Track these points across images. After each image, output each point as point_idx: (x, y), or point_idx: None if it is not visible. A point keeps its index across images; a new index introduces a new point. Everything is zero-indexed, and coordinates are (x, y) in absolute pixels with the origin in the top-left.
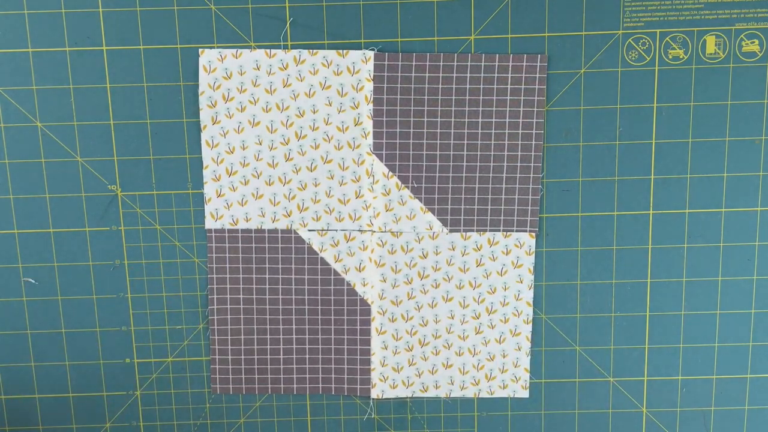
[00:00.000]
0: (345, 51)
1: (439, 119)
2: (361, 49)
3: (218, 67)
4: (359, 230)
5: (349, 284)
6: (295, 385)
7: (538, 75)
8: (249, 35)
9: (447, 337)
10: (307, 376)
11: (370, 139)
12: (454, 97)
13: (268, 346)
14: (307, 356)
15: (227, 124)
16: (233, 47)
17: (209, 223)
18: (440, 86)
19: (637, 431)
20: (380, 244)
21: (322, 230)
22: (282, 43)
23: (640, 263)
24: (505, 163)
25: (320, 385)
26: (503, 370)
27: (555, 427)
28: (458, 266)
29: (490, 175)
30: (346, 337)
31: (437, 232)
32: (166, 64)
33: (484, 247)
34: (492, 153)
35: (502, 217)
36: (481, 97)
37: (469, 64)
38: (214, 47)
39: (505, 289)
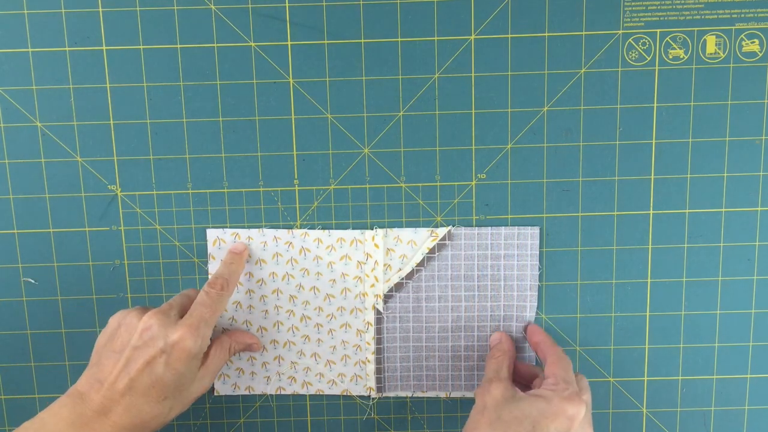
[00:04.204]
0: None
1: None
2: (360, 48)
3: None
4: (361, 230)
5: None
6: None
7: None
8: (249, 35)
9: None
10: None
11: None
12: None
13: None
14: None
15: None
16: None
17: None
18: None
19: (637, 431)
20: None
21: (323, 229)
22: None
23: (640, 263)
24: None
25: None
26: None
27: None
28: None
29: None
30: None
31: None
32: (166, 64)
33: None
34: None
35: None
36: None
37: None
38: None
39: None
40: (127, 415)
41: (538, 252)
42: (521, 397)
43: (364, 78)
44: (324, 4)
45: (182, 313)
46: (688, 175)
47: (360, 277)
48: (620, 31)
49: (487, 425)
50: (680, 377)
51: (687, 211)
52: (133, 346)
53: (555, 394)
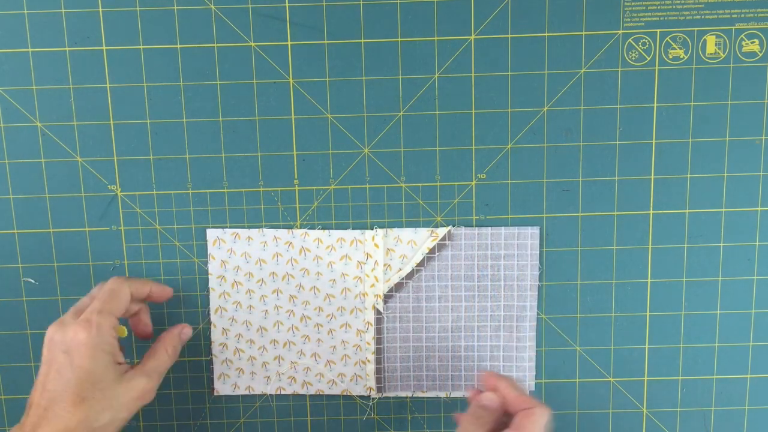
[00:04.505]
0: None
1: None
2: (360, 48)
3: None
4: (361, 230)
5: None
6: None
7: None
8: (249, 35)
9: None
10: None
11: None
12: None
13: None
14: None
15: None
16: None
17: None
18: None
19: (637, 431)
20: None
21: (323, 229)
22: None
23: (640, 263)
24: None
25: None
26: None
27: (555, 427)
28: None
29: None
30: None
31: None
32: (166, 64)
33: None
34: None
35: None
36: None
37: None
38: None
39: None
40: (53, 430)
41: (538, 252)
42: None
43: (364, 78)
44: (324, 4)
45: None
46: (688, 175)
47: (360, 277)
48: (620, 31)
49: None
50: (680, 377)
51: (687, 211)
52: (45, 360)
53: None
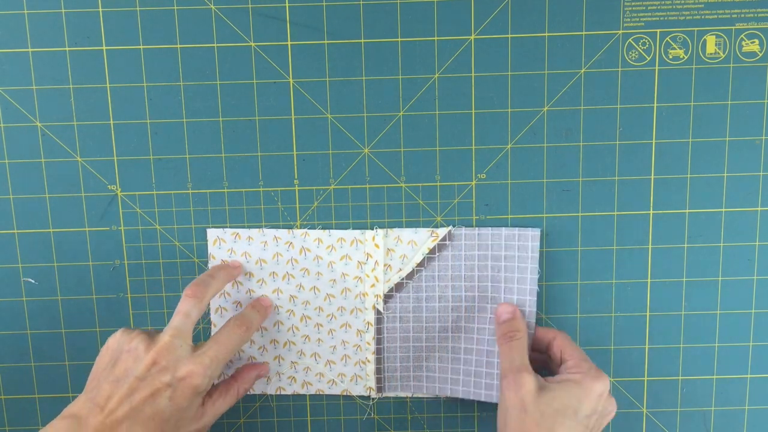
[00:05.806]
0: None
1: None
2: (360, 48)
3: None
4: (361, 230)
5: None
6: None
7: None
8: (249, 35)
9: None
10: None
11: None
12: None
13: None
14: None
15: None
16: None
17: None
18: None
19: (637, 431)
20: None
21: (323, 229)
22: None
23: (640, 263)
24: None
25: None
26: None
27: None
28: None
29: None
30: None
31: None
32: (166, 64)
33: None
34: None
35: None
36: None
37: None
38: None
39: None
40: None
41: (538, 254)
42: (552, 386)
43: (364, 78)
44: (324, 4)
45: (187, 330)
46: (688, 175)
47: (360, 277)
48: (620, 31)
49: (534, 426)
50: (680, 377)
51: (687, 211)
52: (138, 377)
53: (582, 376)
